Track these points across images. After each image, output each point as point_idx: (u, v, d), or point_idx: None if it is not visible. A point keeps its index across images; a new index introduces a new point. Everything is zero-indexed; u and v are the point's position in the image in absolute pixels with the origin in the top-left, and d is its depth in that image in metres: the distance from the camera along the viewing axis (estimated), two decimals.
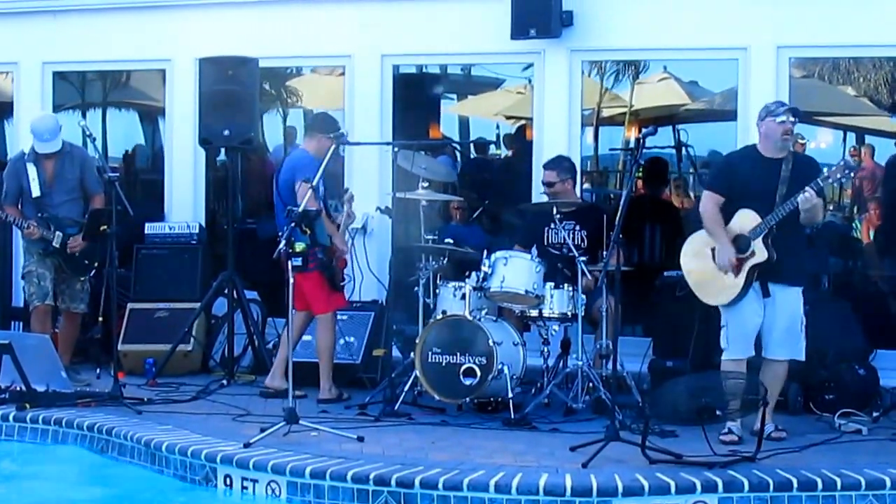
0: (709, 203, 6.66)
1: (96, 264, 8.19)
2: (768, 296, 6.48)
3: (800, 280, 6.58)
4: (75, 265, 8.18)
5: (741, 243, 6.47)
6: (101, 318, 8.35)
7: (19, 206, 8.20)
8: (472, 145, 11.56)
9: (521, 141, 10.58)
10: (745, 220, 6.46)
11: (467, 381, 7.14)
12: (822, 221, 7.25)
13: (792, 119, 6.50)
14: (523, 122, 11.27)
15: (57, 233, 8.09)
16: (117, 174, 7.78)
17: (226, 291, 8.46)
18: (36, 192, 8.10)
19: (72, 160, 8.24)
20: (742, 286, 6.45)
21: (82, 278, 8.26)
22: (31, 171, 8.11)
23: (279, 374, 7.73)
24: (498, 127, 11.85)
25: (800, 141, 10.82)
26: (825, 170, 6.26)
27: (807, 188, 6.25)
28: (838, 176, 6.32)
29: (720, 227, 6.56)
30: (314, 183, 6.94)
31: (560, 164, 7.91)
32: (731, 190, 6.60)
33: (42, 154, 8.12)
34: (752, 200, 6.48)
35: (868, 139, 11.31)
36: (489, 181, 10.33)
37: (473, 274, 7.33)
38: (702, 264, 6.64)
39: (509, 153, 11.48)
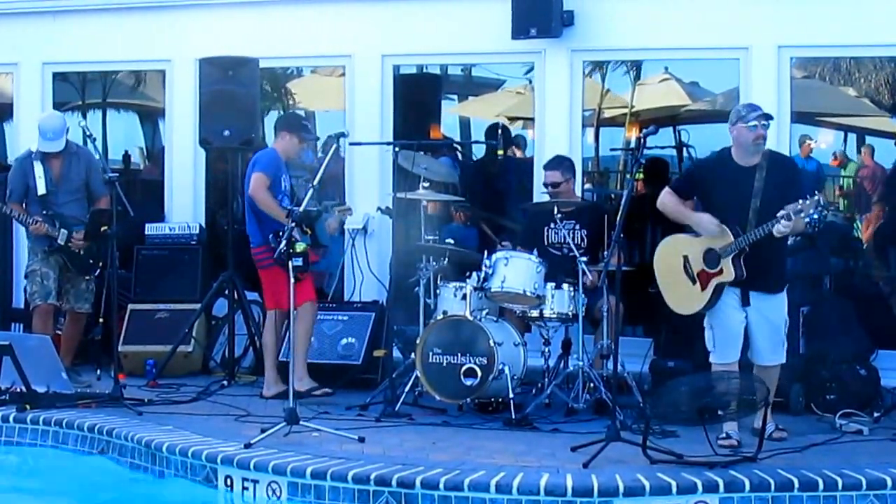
0: (666, 196, 6.65)
1: (101, 263, 8.19)
2: (748, 304, 6.43)
3: (781, 286, 6.53)
4: (80, 263, 8.18)
5: (710, 258, 6.42)
6: (101, 319, 8.35)
7: (24, 205, 8.20)
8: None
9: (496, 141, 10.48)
10: (718, 235, 6.41)
11: (468, 382, 7.13)
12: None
13: (764, 123, 6.39)
14: (495, 122, 11.22)
15: (62, 230, 8.09)
16: (118, 174, 7.77)
17: (226, 292, 8.46)
18: (41, 189, 8.10)
19: (78, 161, 8.24)
20: (707, 301, 6.43)
21: (87, 277, 8.25)
22: (38, 169, 8.11)
23: (272, 380, 7.72)
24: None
25: (808, 142, 10.85)
26: (799, 201, 6.05)
27: (781, 220, 6.08)
28: (811, 212, 6.06)
29: (684, 206, 6.55)
30: (314, 182, 6.92)
31: (562, 163, 7.90)
32: (700, 199, 6.56)
33: (49, 153, 8.12)
34: (724, 212, 6.41)
35: (868, 139, 11.32)
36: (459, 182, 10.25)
37: (474, 274, 7.32)
38: (673, 268, 6.61)
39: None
